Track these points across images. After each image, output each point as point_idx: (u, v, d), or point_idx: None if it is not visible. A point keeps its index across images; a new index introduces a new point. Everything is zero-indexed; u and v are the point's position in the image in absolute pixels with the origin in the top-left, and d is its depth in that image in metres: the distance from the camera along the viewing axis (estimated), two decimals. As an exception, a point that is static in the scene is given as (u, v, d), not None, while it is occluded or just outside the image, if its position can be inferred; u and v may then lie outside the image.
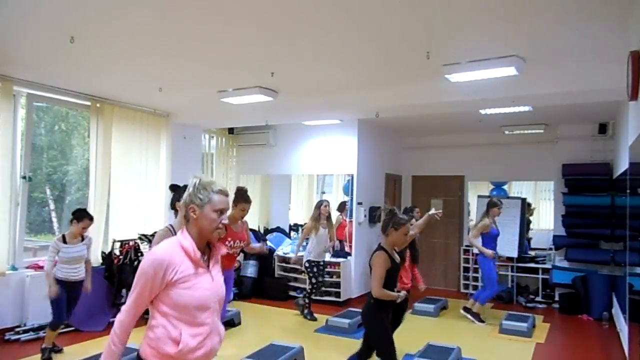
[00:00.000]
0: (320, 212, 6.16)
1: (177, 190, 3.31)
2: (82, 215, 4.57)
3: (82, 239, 4.64)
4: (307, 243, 6.38)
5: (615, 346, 5.33)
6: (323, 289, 7.09)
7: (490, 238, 6.18)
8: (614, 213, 6.57)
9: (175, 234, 3.05)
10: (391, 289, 3.47)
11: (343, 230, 7.78)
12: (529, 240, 8.19)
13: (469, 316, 6.29)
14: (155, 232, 6.30)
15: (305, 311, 6.30)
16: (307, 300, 6.31)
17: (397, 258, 3.56)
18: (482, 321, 6.17)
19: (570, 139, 7.36)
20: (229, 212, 2.06)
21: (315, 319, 6.17)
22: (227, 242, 4.31)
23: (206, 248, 2.03)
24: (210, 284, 1.95)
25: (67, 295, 4.53)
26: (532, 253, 7.93)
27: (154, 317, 1.90)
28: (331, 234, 6.32)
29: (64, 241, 4.51)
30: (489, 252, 6.10)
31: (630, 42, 3.14)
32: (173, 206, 3.25)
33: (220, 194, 1.97)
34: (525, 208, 7.69)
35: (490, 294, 6.29)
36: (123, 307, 1.89)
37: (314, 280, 6.27)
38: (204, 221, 1.93)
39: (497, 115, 6.32)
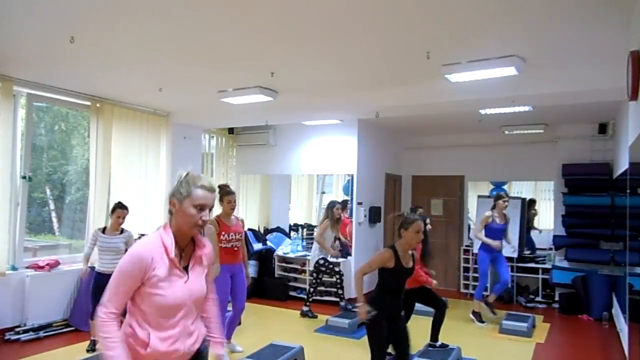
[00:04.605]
0: (334, 213, 6.38)
1: None
2: (114, 207, 4.90)
3: (121, 232, 4.87)
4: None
5: (615, 346, 5.32)
6: (323, 288, 7.09)
7: (490, 231, 6.17)
8: (614, 213, 6.56)
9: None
10: (394, 291, 3.44)
11: (345, 228, 7.81)
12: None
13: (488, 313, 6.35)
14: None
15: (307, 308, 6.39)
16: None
17: (409, 263, 3.46)
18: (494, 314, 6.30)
19: (570, 139, 7.36)
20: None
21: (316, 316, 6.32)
22: (222, 236, 4.42)
23: (190, 244, 1.94)
24: (183, 285, 1.85)
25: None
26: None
27: (127, 313, 1.85)
28: (335, 233, 6.57)
29: (103, 232, 4.84)
30: (494, 242, 6.09)
31: (630, 42, 3.14)
32: None
33: (202, 188, 1.85)
34: (525, 208, 7.67)
35: (481, 285, 6.30)
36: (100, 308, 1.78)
37: (320, 279, 6.49)
38: (182, 216, 1.84)
39: (497, 115, 6.32)
